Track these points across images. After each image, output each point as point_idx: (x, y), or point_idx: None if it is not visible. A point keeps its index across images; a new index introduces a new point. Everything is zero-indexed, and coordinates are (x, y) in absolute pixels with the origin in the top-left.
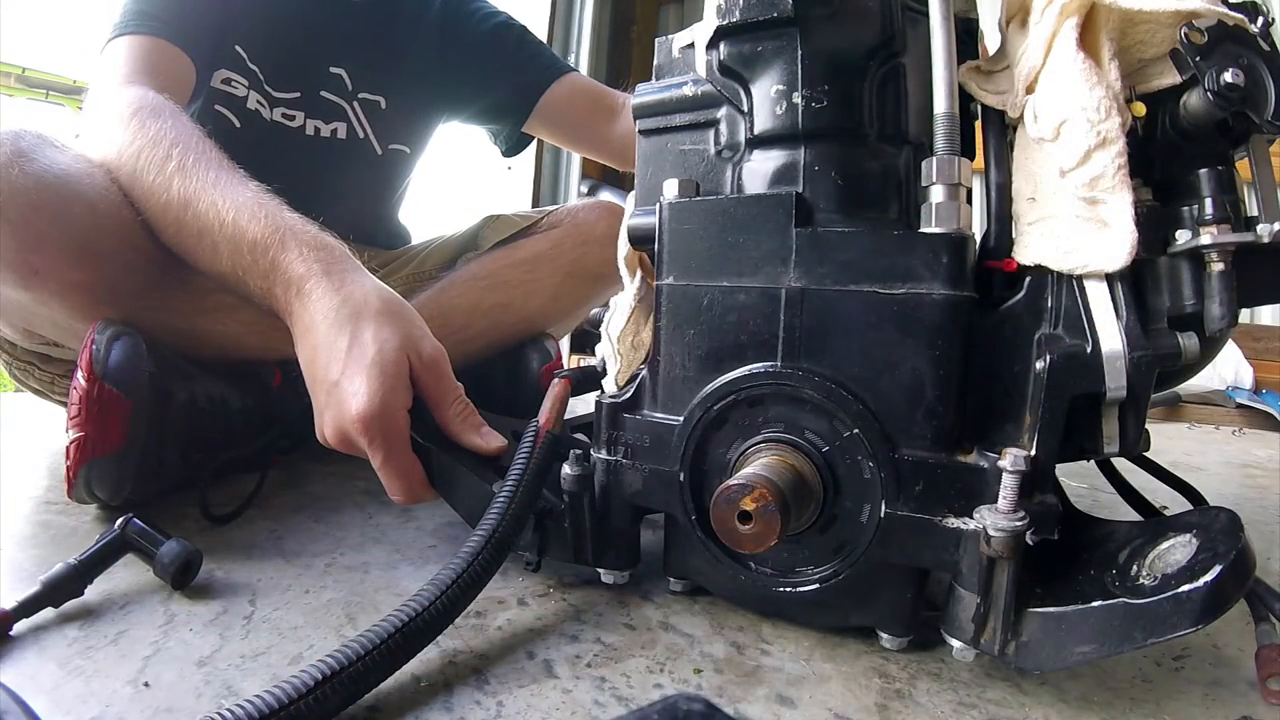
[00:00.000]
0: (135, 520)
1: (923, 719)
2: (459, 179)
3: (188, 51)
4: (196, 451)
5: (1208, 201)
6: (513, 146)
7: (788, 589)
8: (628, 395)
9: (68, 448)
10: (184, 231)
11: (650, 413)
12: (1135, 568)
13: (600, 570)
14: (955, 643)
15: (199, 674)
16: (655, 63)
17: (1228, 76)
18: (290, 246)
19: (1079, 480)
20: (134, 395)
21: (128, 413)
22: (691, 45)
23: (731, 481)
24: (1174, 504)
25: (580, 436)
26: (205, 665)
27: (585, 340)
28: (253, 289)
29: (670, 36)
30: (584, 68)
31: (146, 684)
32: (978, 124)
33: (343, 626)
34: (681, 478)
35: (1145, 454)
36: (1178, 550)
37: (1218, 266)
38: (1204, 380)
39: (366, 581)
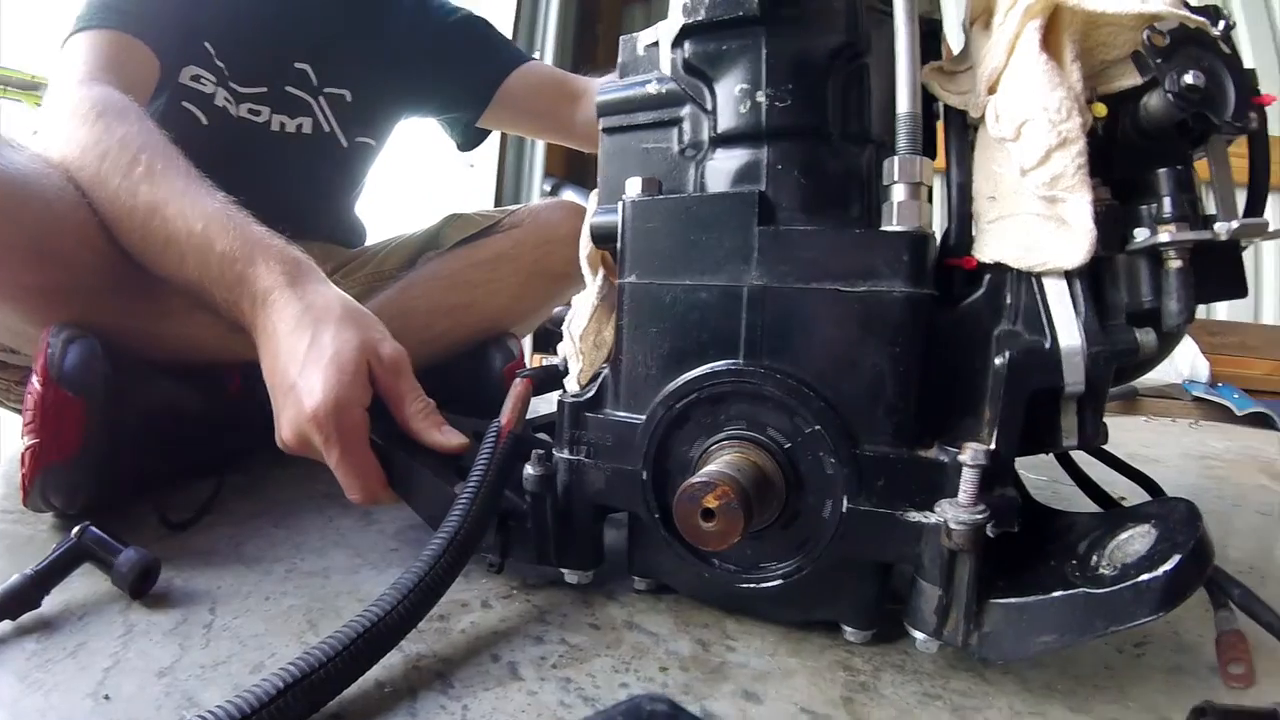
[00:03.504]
0: (92, 528)
1: (888, 711)
2: (421, 178)
3: (152, 46)
4: (154, 456)
5: (1166, 200)
6: (469, 140)
7: (752, 585)
8: (590, 394)
9: (23, 455)
10: (149, 239)
11: (612, 411)
12: (1095, 558)
13: (564, 570)
14: (919, 635)
15: (159, 685)
16: (620, 61)
17: (1188, 78)
18: (258, 260)
19: (1039, 473)
20: (89, 399)
21: (83, 417)
22: (656, 43)
23: (694, 479)
24: (1133, 495)
25: (543, 436)
26: (165, 676)
27: (548, 340)
28: (218, 300)
29: (635, 35)
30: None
31: (107, 696)
32: (941, 124)
33: (304, 633)
34: (644, 476)
35: (1104, 447)
36: (1137, 540)
37: (1175, 264)
38: (1161, 374)
39: (328, 586)
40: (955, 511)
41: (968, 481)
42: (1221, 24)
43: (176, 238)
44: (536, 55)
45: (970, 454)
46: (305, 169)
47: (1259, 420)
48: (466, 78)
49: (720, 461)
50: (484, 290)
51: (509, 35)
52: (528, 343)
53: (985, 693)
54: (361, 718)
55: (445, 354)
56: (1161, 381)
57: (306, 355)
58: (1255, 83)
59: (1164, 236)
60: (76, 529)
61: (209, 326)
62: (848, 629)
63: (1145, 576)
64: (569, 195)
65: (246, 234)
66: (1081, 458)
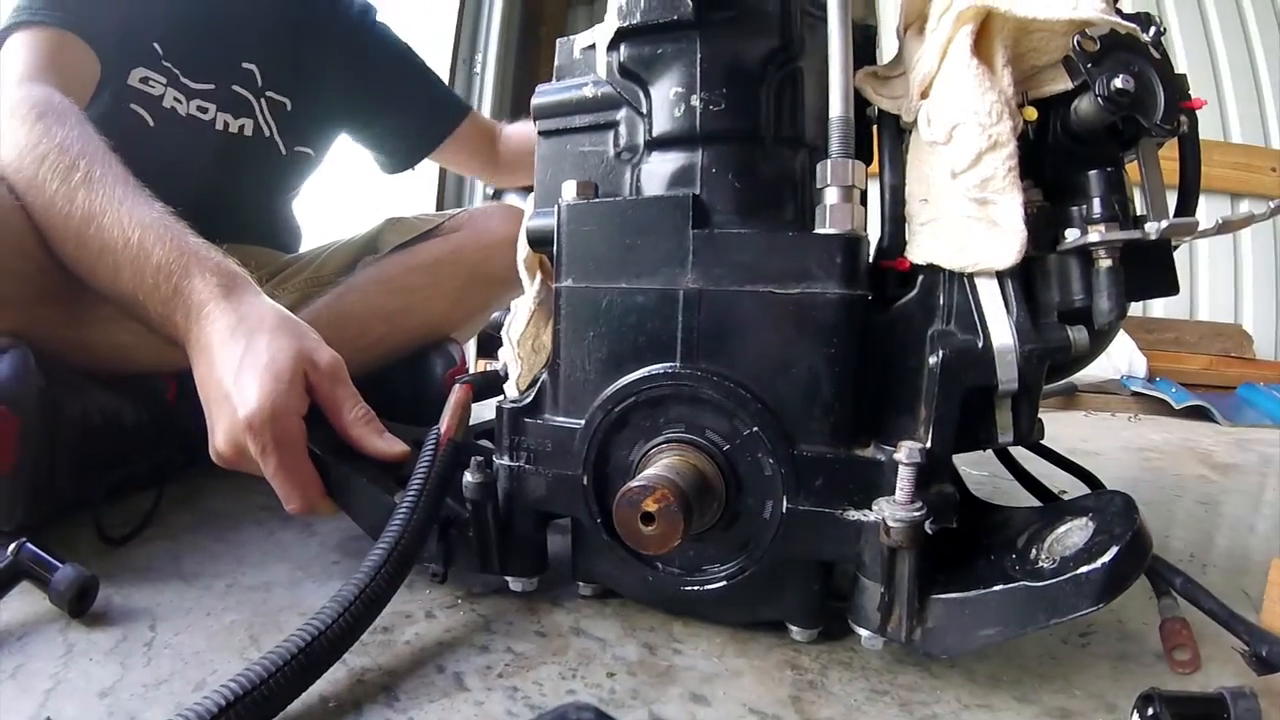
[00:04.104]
0: (28, 545)
1: (836, 708)
2: (360, 180)
3: (94, 46)
4: (90, 469)
5: (1096, 201)
6: (397, 169)
7: (696, 587)
8: (529, 400)
9: None
10: (85, 247)
11: (552, 417)
12: (1034, 551)
13: (508, 578)
14: (863, 632)
15: (101, 706)
16: (556, 63)
17: (1118, 82)
18: (194, 273)
19: (979, 469)
20: (23, 412)
21: (16, 430)
22: (593, 46)
23: (633, 483)
24: (1073, 489)
25: (485, 443)
26: (107, 696)
27: (492, 344)
28: (151, 314)
29: (572, 37)
30: (491, 68)
31: (49, 719)
32: (875, 128)
33: (246, 649)
34: (585, 481)
35: (1041, 441)
36: (1075, 533)
37: (1105, 263)
38: (1099, 370)
39: (269, 601)
40: (893, 509)
41: (904, 479)
42: (1152, 30)
43: (112, 247)
44: (479, 57)
45: (906, 452)
46: (246, 170)
47: (1196, 413)
48: (418, 116)
49: (659, 465)
50: (422, 295)
51: (451, 37)
52: (471, 348)
53: (933, 686)
54: None
55: (383, 360)
56: (1100, 377)
57: (241, 364)
58: (1186, 87)
59: (1094, 236)
60: (13, 546)
61: (143, 335)
62: (794, 628)
63: (1084, 569)
64: (512, 198)
65: (183, 245)
66: (1021, 453)
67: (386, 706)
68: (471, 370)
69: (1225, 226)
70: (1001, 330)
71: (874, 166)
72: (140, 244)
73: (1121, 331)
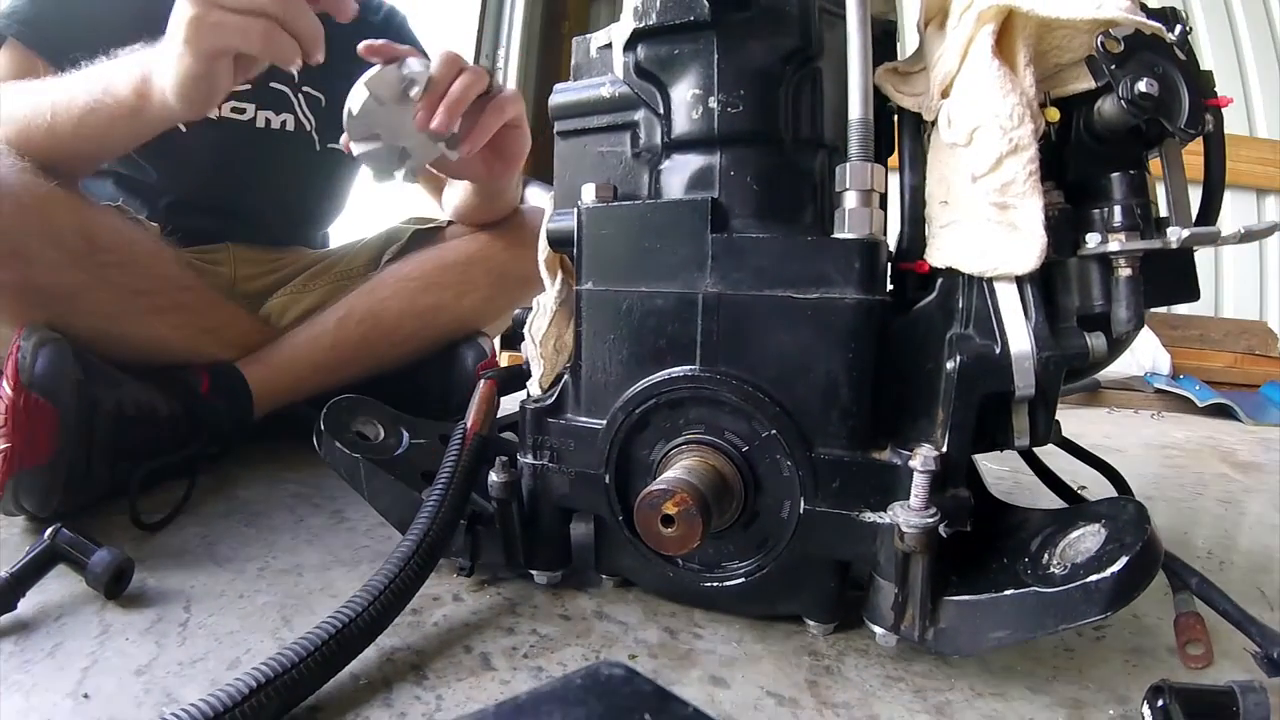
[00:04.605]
0: (64, 530)
1: (852, 693)
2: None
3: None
4: (124, 460)
5: (1117, 209)
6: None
7: (715, 584)
8: (551, 400)
9: None
10: (76, 125)
11: (574, 417)
12: (1047, 556)
13: (533, 572)
14: (878, 629)
15: (138, 683)
16: (573, 62)
17: (1141, 86)
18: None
19: (1000, 464)
20: (61, 404)
21: (55, 422)
22: (609, 46)
23: (653, 486)
24: (1094, 484)
25: (510, 435)
26: (144, 674)
27: (516, 339)
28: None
29: (588, 36)
30: (514, 64)
31: (86, 695)
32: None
33: (279, 629)
34: (607, 480)
35: (1068, 437)
36: (1087, 539)
37: (1125, 272)
38: (1123, 367)
39: (300, 584)
40: (907, 515)
41: (919, 487)
42: (1179, 29)
43: (88, 106)
44: (502, 53)
45: (920, 460)
46: (287, 165)
47: (1220, 411)
48: None
49: (679, 467)
50: (454, 292)
51: (474, 33)
52: (496, 341)
53: (947, 674)
54: (338, 710)
55: (414, 356)
56: (1124, 374)
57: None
58: (1211, 85)
59: (1114, 246)
60: (49, 531)
61: (177, 328)
62: (811, 622)
63: (1094, 577)
64: (534, 191)
65: (128, 59)
66: (1045, 447)
67: (416, 684)
68: (499, 362)
69: (1248, 236)
70: (1019, 336)
71: (894, 158)
72: (107, 78)
73: (1146, 328)
